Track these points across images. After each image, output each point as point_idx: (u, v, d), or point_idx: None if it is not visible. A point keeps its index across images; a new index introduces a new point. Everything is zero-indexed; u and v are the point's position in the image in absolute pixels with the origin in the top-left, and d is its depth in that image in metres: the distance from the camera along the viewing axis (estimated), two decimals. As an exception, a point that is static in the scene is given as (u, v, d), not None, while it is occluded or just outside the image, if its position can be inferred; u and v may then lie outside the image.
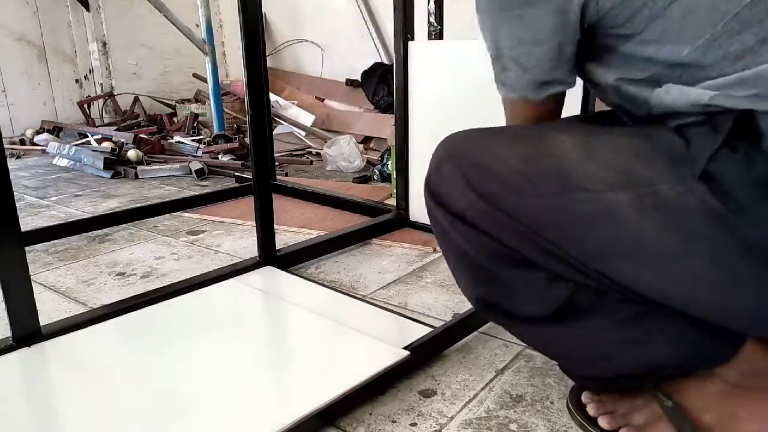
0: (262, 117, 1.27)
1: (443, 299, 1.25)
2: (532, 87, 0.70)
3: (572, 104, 1.22)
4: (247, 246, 1.60)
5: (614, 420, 0.76)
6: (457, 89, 1.49)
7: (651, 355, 0.67)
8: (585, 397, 0.82)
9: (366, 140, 2.97)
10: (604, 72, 0.70)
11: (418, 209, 1.68)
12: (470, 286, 0.76)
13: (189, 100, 3.62)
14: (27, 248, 1.03)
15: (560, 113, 0.77)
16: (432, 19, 1.70)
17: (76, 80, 3.82)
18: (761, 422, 0.68)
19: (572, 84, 0.71)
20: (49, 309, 1.23)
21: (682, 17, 0.59)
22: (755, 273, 0.57)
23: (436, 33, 1.71)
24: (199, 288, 1.23)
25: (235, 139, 2.84)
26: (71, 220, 1.77)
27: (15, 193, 0.92)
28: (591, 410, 0.79)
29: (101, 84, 3.82)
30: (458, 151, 0.70)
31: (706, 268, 0.59)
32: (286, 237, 1.66)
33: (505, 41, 0.69)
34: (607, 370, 0.71)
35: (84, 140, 2.92)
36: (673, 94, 0.62)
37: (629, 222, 0.59)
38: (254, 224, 1.36)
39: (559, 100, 0.75)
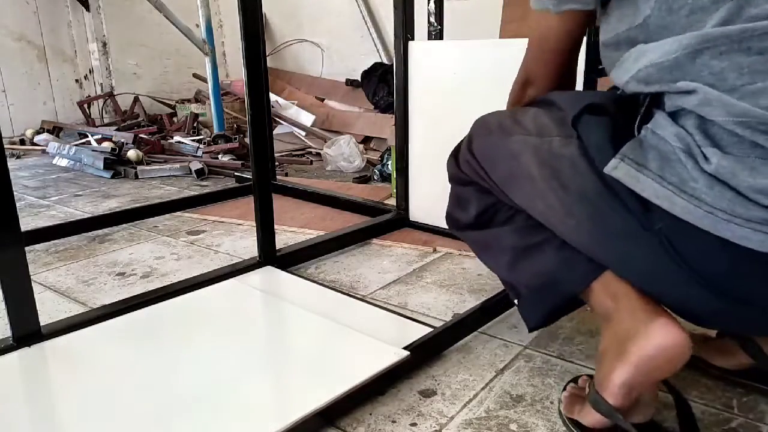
0: (262, 117, 1.27)
1: (443, 299, 1.25)
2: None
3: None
4: (247, 246, 1.60)
5: (569, 409, 0.84)
6: (457, 89, 1.49)
7: (542, 262, 0.81)
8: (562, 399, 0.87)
9: (366, 140, 2.97)
10: (618, 16, 0.72)
11: (418, 209, 1.68)
12: (447, 208, 0.99)
13: (189, 100, 3.62)
14: (27, 248, 1.03)
15: (579, 40, 0.83)
16: (432, 19, 1.70)
17: (76, 80, 3.82)
18: (607, 367, 0.73)
19: (590, 6, 0.76)
20: (49, 309, 1.23)
21: None
22: (588, 216, 0.71)
23: (436, 33, 1.70)
24: (199, 288, 1.23)
25: (235, 139, 2.84)
26: (71, 220, 1.77)
27: (15, 193, 0.92)
28: (561, 408, 0.85)
29: (101, 84, 3.82)
30: (473, 125, 0.92)
31: (560, 204, 0.74)
32: (286, 237, 1.66)
33: None
34: (521, 276, 0.86)
35: (84, 140, 2.92)
36: (624, 64, 0.69)
37: (527, 157, 0.77)
38: (254, 224, 1.36)
39: (577, 21, 0.79)
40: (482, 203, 0.90)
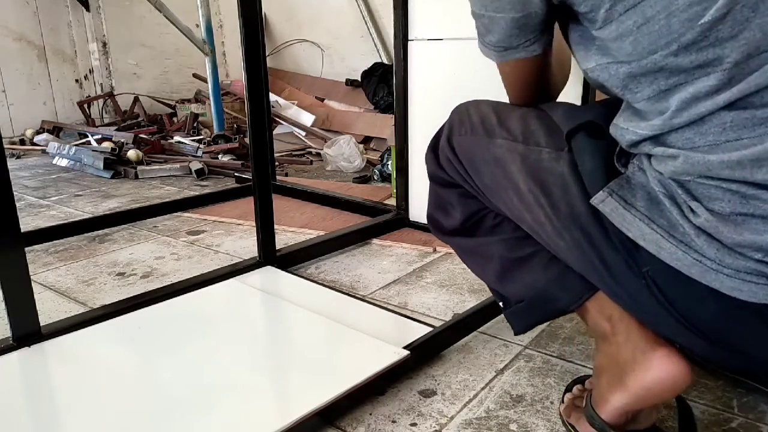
0: (262, 117, 1.27)
1: (443, 299, 1.25)
2: (496, 50, 0.73)
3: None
4: (247, 246, 1.60)
5: (568, 413, 0.84)
6: (457, 89, 1.49)
7: (533, 276, 0.78)
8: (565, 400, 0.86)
9: (366, 140, 2.97)
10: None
11: (418, 209, 1.68)
12: (428, 209, 0.93)
13: (189, 100, 3.62)
14: (27, 248, 1.04)
15: (540, 73, 0.76)
16: (432, 19, 1.70)
17: (76, 80, 3.82)
18: (605, 387, 0.73)
19: (537, 52, 0.71)
20: (49, 309, 1.23)
21: (636, 28, 0.56)
22: (576, 243, 0.67)
23: (436, 33, 1.70)
24: (199, 288, 1.23)
25: (235, 139, 2.84)
26: (71, 220, 1.77)
27: (15, 193, 0.92)
28: (561, 410, 0.86)
29: (101, 84, 3.82)
30: (452, 115, 0.86)
31: (549, 223, 0.70)
32: (286, 237, 1.66)
33: (476, 1, 0.70)
34: (509, 288, 0.83)
35: (84, 140, 2.92)
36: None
37: (514, 167, 0.73)
38: (254, 224, 1.36)
39: (534, 62, 0.73)
40: (467, 209, 0.85)
